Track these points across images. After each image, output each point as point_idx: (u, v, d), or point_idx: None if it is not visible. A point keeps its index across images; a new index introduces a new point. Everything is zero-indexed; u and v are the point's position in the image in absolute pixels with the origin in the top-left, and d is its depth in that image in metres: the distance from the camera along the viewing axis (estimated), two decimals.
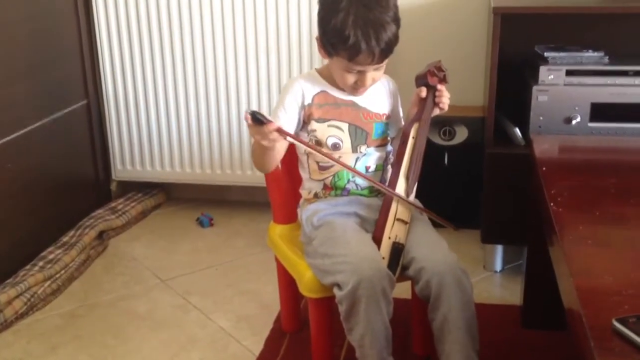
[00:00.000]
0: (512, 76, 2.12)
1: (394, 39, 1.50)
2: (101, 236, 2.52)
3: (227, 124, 2.62)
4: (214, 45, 2.53)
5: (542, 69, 2.02)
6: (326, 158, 1.57)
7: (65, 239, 2.40)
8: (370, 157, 1.63)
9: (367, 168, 1.62)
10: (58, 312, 2.10)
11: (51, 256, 2.28)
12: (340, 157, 1.58)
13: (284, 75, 2.51)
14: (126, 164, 2.76)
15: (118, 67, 2.63)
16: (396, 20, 1.50)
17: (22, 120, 2.29)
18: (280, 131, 1.43)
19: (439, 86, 1.60)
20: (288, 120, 1.58)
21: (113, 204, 2.72)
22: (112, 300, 2.17)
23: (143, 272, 2.33)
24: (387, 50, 1.49)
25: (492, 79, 2.04)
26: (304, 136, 1.61)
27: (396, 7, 1.52)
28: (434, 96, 1.60)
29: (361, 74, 1.53)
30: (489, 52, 2.08)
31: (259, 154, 1.55)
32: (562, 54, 2.05)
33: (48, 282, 2.16)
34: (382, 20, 1.47)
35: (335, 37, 1.48)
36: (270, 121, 1.41)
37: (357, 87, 1.56)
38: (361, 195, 1.63)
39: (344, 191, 1.63)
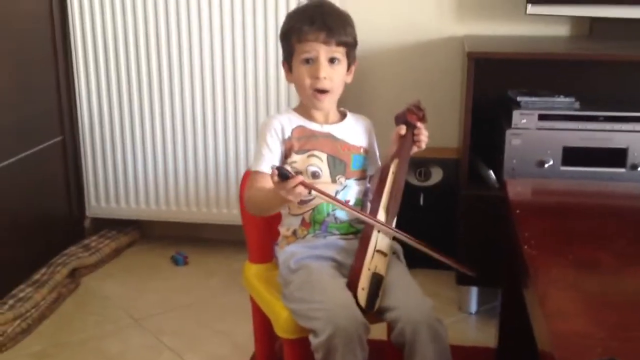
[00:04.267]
0: (486, 119, 2.16)
1: (347, 26, 1.59)
2: (73, 274, 2.48)
3: (203, 161, 2.62)
4: (192, 83, 2.55)
5: (515, 113, 2.06)
6: (344, 207, 1.57)
7: (36, 276, 2.37)
8: (349, 190, 1.64)
9: (346, 202, 1.63)
10: (28, 351, 2.06)
11: (22, 294, 2.24)
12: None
13: (261, 115, 2.53)
14: (101, 200, 2.74)
15: (95, 104, 2.63)
16: (351, 21, 1.62)
17: None
18: (305, 184, 1.43)
19: (418, 124, 1.63)
20: (273, 157, 1.59)
21: (86, 241, 2.69)
22: (84, 339, 2.13)
23: (115, 311, 2.30)
24: (335, 30, 1.56)
25: (466, 121, 2.07)
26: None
27: (352, 24, 1.63)
28: (413, 134, 1.63)
29: (315, 62, 1.57)
30: (463, 95, 2.12)
31: (275, 205, 1.55)
32: (534, 99, 2.09)
33: (18, 321, 2.12)
34: (334, 12, 1.60)
35: (286, 27, 1.61)
36: (294, 175, 1.41)
37: (315, 85, 1.58)
38: (339, 228, 1.64)
39: (322, 225, 1.63)
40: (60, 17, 2.58)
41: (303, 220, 1.64)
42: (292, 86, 1.68)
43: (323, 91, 1.59)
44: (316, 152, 1.62)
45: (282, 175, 1.41)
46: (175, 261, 2.64)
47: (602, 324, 1.10)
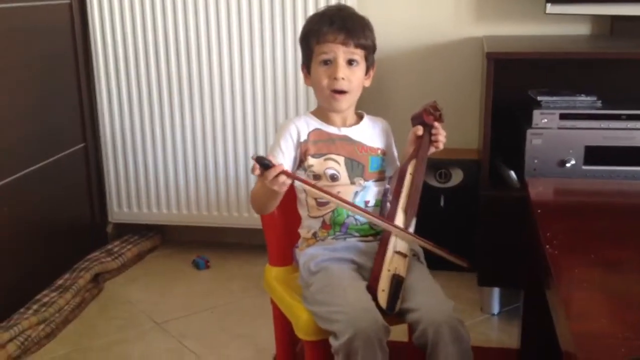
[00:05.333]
0: (507, 119, 2.15)
1: (366, 30, 1.61)
2: (96, 279, 2.51)
3: (223, 165, 2.63)
4: (212, 88, 2.56)
5: (536, 113, 2.04)
6: (331, 197, 1.56)
7: (60, 281, 2.39)
8: (369, 191, 1.64)
9: (366, 203, 1.63)
10: (52, 356, 2.08)
11: (46, 299, 2.26)
12: (339, 192, 1.59)
13: (280, 119, 2.53)
14: (123, 206, 2.77)
15: (116, 110, 2.66)
16: (370, 25, 1.63)
17: (20, 163, 2.30)
18: (287, 174, 1.44)
19: (436, 124, 1.62)
20: (285, 159, 1.60)
21: (109, 247, 2.71)
22: (106, 344, 2.14)
23: (138, 315, 2.31)
24: (354, 32, 1.57)
25: (486, 122, 2.06)
26: (302, 173, 1.62)
27: (372, 29, 1.64)
28: (430, 134, 1.63)
29: (333, 63, 1.57)
30: (483, 96, 2.10)
31: (266, 197, 1.55)
32: (555, 98, 2.08)
33: (42, 326, 2.14)
34: (353, 15, 1.62)
35: (305, 29, 1.62)
36: (275, 165, 1.42)
37: (333, 85, 1.58)
38: (359, 230, 1.64)
39: (342, 227, 1.63)
40: (81, 26, 2.61)
41: (323, 222, 1.64)
42: (311, 90, 1.69)
43: (341, 92, 1.59)
44: (333, 156, 1.62)
45: (263, 165, 1.41)
46: (197, 265, 2.66)
47: (626, 323, 1.09)
